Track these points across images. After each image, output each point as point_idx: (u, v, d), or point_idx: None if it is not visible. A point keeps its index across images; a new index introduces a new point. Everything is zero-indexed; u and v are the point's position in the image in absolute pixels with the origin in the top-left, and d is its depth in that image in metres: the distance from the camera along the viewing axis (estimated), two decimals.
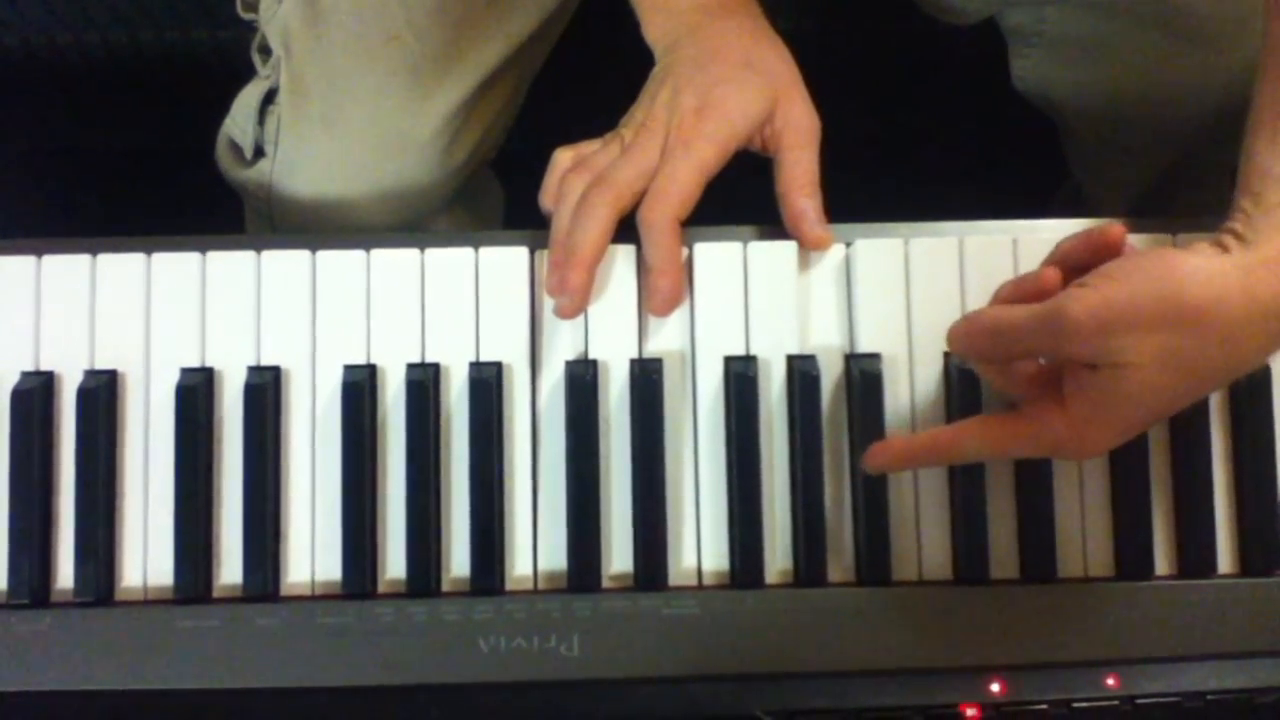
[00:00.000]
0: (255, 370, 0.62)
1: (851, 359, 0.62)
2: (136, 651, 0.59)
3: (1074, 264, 0.55)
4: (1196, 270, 0.51)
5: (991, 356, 0.57)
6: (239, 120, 0.80)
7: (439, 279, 0.63)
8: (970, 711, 0.59)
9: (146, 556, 0.61)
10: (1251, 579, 0.61)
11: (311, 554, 0.62)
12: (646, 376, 0.61)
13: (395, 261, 0.63)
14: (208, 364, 0.62)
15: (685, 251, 0.63)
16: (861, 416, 0.61)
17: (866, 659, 0.59)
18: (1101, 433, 0.54)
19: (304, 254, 0.63)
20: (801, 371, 0.61)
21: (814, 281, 0.64)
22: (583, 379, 0.61)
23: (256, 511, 0.61)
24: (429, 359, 0.63)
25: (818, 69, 0.68)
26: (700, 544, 0.62)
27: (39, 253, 0.63)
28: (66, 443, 0.62)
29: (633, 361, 0.62)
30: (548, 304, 0.62)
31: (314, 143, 0.77)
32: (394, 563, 0.61)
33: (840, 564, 0.61)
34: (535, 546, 0.62)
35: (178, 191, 1.05)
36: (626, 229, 0.62)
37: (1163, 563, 0.62)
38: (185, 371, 0.62)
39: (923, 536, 0.62)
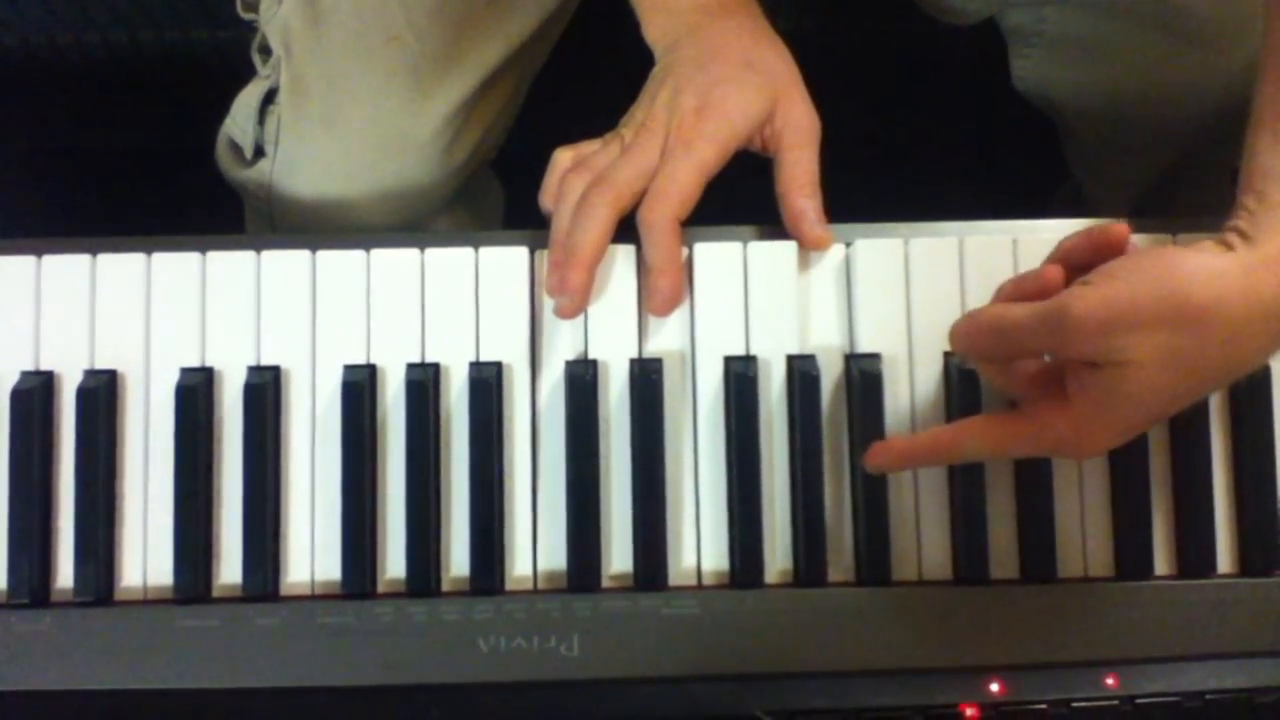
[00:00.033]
0: (255, 370, 0.62)
1: (851, 359, 0.62)
2: (136, 651, 0.59)
3: (1076, 262, 0.55)
4: (1198, 269, 0.51)
5: (993, 355, 0.57)
6: (239, 120, 0.80)
7: (439, 279, 0.63)
8: (970, 711, 0.59)
9: (146, 556, 0.61)
10: (1251, 579, 0.61)
11: (311, 554, 0.62)
12: (646, 376, 0.61)
13: (395, 261, 0.63)
14: (208, 364, 0.62)
15: (685, 251, 0.63)
16: (861, 416, 0.61)
17: (866, 659, 0.59)
18: (1102, 432, 0.54)
19: (304, 254, 0.63)
20: (801, 371, 0.61)
21: (814, 281, 0.64)
22: (583, 379, 0.61)
23: (256, 511, 0.61)
24: (429, 359, 0.63)
25: (818, 69, 0.68)
26: (700, 544, 0.62)
27: (39, 253, 0.63)
28: (66, 443, 0.62)
29: (633, 361, 0.62)
30: (548, 304, 0.62)
31: (314, 143, 0.77)
32: (394, 562, 0.61)
33: (840, 564, 0.61)
34: (535, 546, 0.62)
35: (178, 191, 1.05)
36: (626, 229, 0.62)
37: (1162, 563, 0.62)
38: (185, 371, 0.62)
39: (923, 536, 0.62)
